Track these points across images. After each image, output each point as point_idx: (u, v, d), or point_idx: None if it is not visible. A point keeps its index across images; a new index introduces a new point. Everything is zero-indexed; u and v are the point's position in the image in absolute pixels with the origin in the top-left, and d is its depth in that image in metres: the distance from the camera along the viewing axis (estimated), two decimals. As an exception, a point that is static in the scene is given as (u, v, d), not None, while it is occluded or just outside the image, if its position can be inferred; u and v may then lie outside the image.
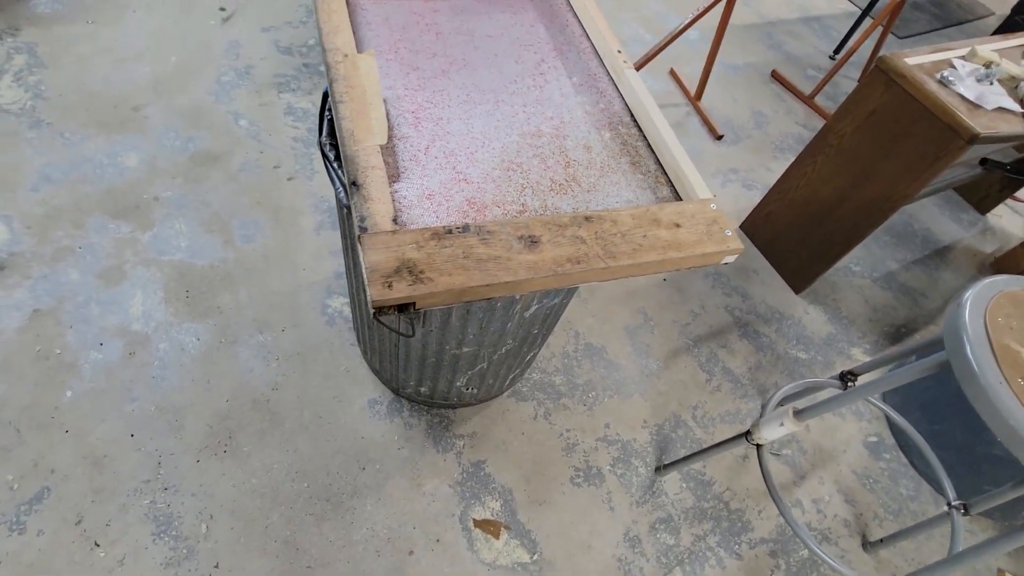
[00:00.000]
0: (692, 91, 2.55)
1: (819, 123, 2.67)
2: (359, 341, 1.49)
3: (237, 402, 1.38)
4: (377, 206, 0.82)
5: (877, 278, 2.16)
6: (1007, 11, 4.04)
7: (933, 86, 1.46)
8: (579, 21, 1.28)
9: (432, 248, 0.79)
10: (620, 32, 2.77)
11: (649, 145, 1.09)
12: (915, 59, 1.53)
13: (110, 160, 1.70)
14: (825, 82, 2.62)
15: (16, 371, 1.31)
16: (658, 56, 2.69)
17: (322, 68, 2.14)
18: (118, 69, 1.92)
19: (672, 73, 2.64)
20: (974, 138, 1.39)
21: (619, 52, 1.17)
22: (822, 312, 1.99)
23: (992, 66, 1.53)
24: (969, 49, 1.60)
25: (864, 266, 2.18)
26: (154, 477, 1.25)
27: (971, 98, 1.45)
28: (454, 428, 1.46)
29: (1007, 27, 3.31)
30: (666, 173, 1.06)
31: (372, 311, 0.75)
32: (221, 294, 1.53)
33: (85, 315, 1.42)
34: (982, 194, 2.52)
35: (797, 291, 2.01)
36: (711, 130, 2.44)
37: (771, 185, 2.33)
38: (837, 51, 3.08)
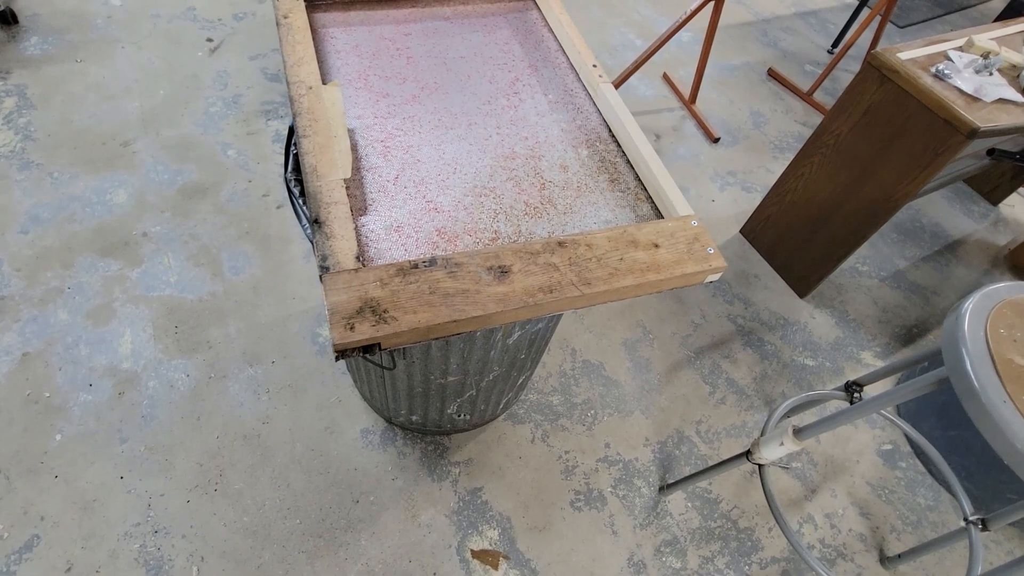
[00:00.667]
0: (686, 94, 2.51)
1: (819, 120, 2.60)
2: (350, 370, 1.47)
3: (227, 438, 1.36)
4: (340, 243, 0.79)
5: (885, 277, 2.09)
6: (1011, -7, 3.94)
7: (928, 80, 1.41)
8: (554, 36, 1.25)
9: (397, 285, 0.76)
10: (611, 39, 2.74)
11: (628, 161, 1.06)
12: (908, 53, 1.47)
13: (99, 198, 1.71)
14: (823, 77, 2.56)
15: (5, 416, 1.31)
16: (651, 61, 2.65)
17: (309, 93, 2.14)
18: (107, 106, 1.93)
19: (665, 77, 2.60)
20: (973, 132, 1.33)
21: (594, 67, 1.14)
22: (829, 316, 1.93)
23: (991, 56, 1.47)
24: (966, 40, 1.54)
25: (871, 265, 2.12)
26: (144, 520, 1.23)
27: (969, 91, 1.40)
28: (449, 455, 1.43)
29: (1012, 9, 3.22)
30: (646, 189, 1.02)
31: (335, 354, 0.72)
32: (211, 328, 1.52)
33: (74, 356, 1.41)
34: (992, 184, 2.44)
35: (801, 295, 1.95)
36: (707, 133, 2.39)
37: (771, 186, 2.27)
38: (835, 45, 3.02)
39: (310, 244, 1.72)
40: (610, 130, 1.10)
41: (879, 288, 2.05)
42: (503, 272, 0.81)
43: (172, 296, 1.55)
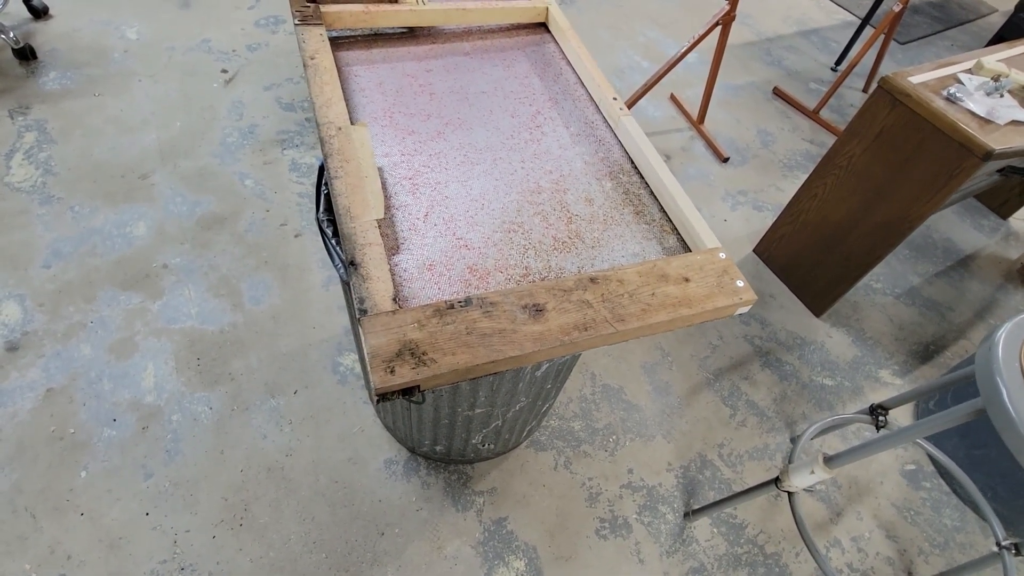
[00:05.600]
0: (694, 115, 2.54)
1: (826, 137, 2.63)
2: (372, 401, 1.47)
3: (251, 471, 1.36)
4: (376, 285, 0.80)
5: (900, 294, 2.09)
6: (1010, 8, 4.00)
7: (940, 104, 1.43)
8: (573, 69, 1.27)
9: (434, 326, 0.77)
10: (618, 61, 2.77)
11: (652, 193, 1.07)
12: (919, 77, 1.49)
13: (118, 230, 1.72)
14: (829, 95, 2.59)
15: (31, 454, 1.31)
16: (658, 82, 2.68)
17: (323, 121, 2.17)
18: (125, 139, 1.96)
19: (673, 98, 2.63)
20: (988, 155, 1.34)
21: (615, 99, 1.15)
22: (845, 334, 1.93)
23: (1001, 78, 1.49)
24: (975, 62, 1.56)
25: (885, 283, 2.12)
26: (170, 557, 1.23)
27: (981, 113, 1.41)
28: (473, 484, 1.42)
29: (1011, 26, 3.26)
30: (671, 221, 1.03)
31: (375, 398, 0.72)
32: (232, 360, 1.52)
33: (98, 391, 1.42)
34: (1002, 199, 2.45)
35: (817, 314, 1.95)
36: (716, 153, 2.41)
37: (782, 205, 2.29)
38: (838, 63, 3.05)
39: (329, 273, 1.73)
40: (632, 162, 1.11)
41: (894, 305, 2.05)
42: (538, 311, 0.81)
43: (193, 328, 1.56)
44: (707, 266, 0.92)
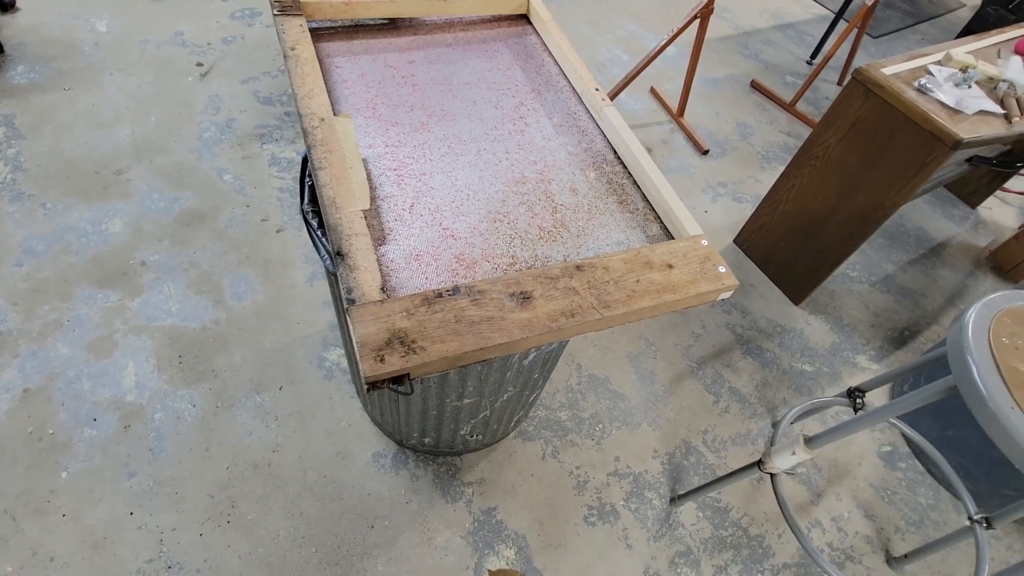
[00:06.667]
0: (674, 108, 2.57)
1: (803, 130, 2.68)
2: (359, 394, 1.47)
3: (238, 468, 1.34)
4: (364, 275, 0.80)
5: (875, 282, 2.15)
6: (977, 1, 4.10)
7: (912, 94, 1.47)
8: (555, 60, 1.28)
9: (423, 315, 0.77)
10: (599, 55, 2.79)
11: (635, 182, 1.08)
12: (891, 68, 1.53)
13: (94, 228, 1.69)
14: (805, 88, 2.64)
15: (8, 455, 1.28)
16: (638, 76, 2.70)
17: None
18: (98, 134, 1.91)
19: (653, 91, 2.65)
20: (958, 144, 1.38)
21: (597, 90, 1.16)
22: (823, 322, 1.97)
23: (969, 69, 1.53)
24: (944, 54, 1.60)
25: (861, 271, 2.17)
26: (156, 556, 1.21)
27: (951, 104, 1.45)
28: (462, 476, 1.43)
29: (979, 19, 3.35)
30: (654, 210, 1.04)
31: (366, 386, 0.73)
32: (215, 357, 1.50)
33: (77, 391, 1.39)
34: (971, 188, 2.52)
35: (796, 302, 1.99)
36: (696, 145, 2.44)
37: (761, 196, 2.33)
38: (814, 56, 3.11)
39: (312, 268, 1.72)
40: (615, 152, 1.13)
41: (870, 293, 2.11)
42: (525, 298, 0.82)
43: (174, 325, 1.54)
44: (690, 253, 0.94)
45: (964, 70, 1.54)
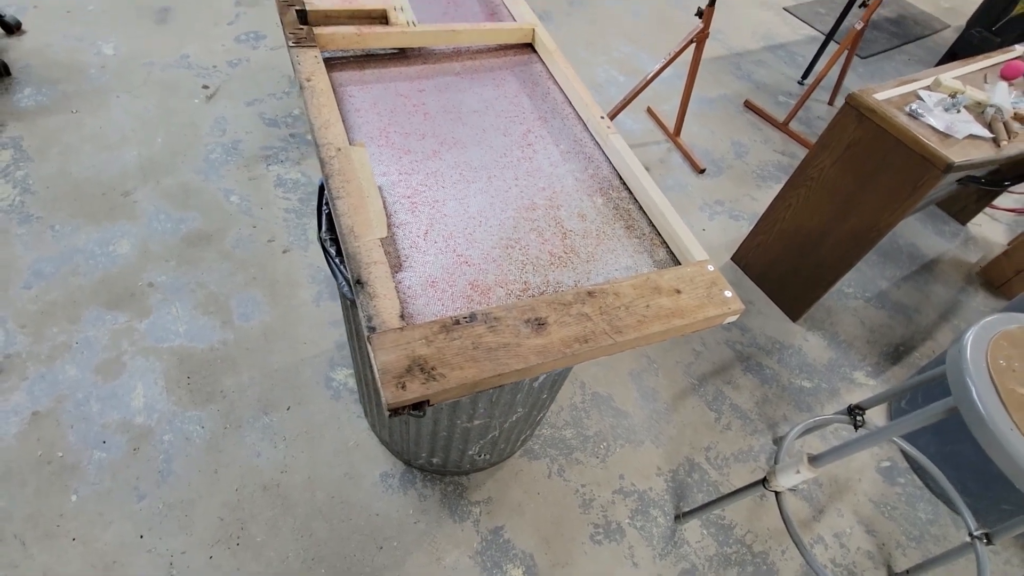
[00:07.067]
0: (670, 127, 2.62)
1: (796, 148, 2.74)
2: (366, 414, 1.48)
3: (247, 490, 1.35)
4: (383, 303, 0.82)
5: (870, 298, 2.19)
6: (961, 23, 4.22)
7: (904, 119, 1.52)
8: (560, 88, 1.32)
9: (441, 342, 0.80)
10: (595, 76, 2.84)
11: (641, 207, 1.11)
12: (883, 94, 1.58)
13: (102, 249, 1.70)
14: (798, 108, 2.70)
15: (18, 479, 1.28)
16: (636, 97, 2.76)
17: (309, 137, 2.18)
18: (105, 156, 1.93)
19: (649, 111, 2.71)
20: (949, 167, 1.43)
21: (602, 118, 1.20)
22: (821, 338, 2.01)
23: (958, 95, 1.59)
24: (933, 79, 1.66)
25: (856, 287, 2.22)
26: (166, 579, 1.21)
27: (941, 128, 1.50)
28: (469, 495, 1.44)
29: (963, 40, 3.44)
30: (660, 235, 1.08)
31: (387, 412, 0.75)
32: (223, 377, 1.52)
33: (85, 413, 1.40)
34: (960, 205, 2.58)
35: (794, 319, 2.03)
36: (693, 164, 2.49)
37: (757, 214, 2.37)
38: (805, 76, 3.18)
39: (319, 288, 1.74)
40: (620, 178, 1.16)
41: (865, 309, 2.15)
42: (540, 324, 0.84)
43: (182, 346, 1.55)
44: (697, 278, 0.97)
45: (953, 95, 1.60)
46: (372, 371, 0.87)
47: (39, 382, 1.42)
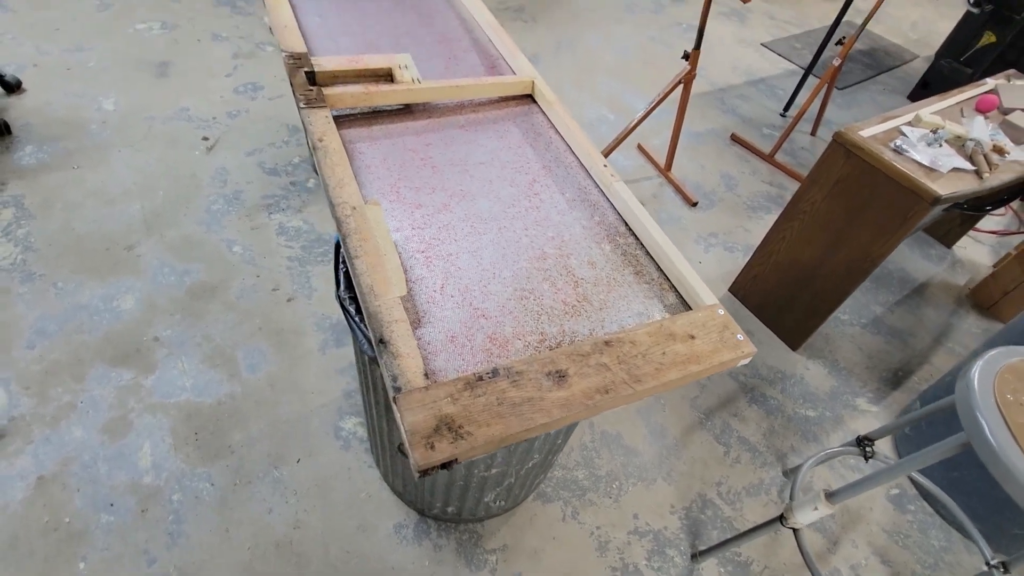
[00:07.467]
0: (661, 163, 2.69)
1: (784, 179, 2.81)
2: (378, 464, 1.47)
3: (259, 549, 1.33)
4: (407, 362, 0.84)
5: (866, 324, 2.23)
6: (929, 53, 4.41)
7: (890, 155, 1.58)
8: (561, 137, 1.36)
9: (467, 399, 0.81)
10: (585, 115, 2.93)
11: (648, 252, 1.14)
12: (868, 131, 1.65)
13: (106, 305, 1.70)
14: (783, 140, 2.79)
15: (24, 548, 1.25)
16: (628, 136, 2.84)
17: (309, 184, 2.21)
18: (107, 210, 1.95)
19: (640, 148, 2.78)
20: (936, 200, 1.49)
21: (605, 166, 1.24)
22: (821, 366, 2.03)
23: (939, 130, 1.66)
24: (914, 115, 1.73)
25: (851, 314, 2.26)
26: (179, 647, 1.18)
27: (926, 163, 1.57)
28: (484, 543, 1.42)
29: (934, 71, 3.60)
30: (669, 279, 1.10)
31: (417, 473, 0.75)
32: (231, 431, 1.50)
33: (93, 475, 1.37)
34: (945, 229, 2.66)
35: (794, 348, 2.06)
36: (685, 198, 2.55)
37: (751, 246, 2.43)
38: (786, 108, 3.30)
39: (324, 336, 1.74)
40: (627, 224, 1.19)
41: (861, 335, 2.19)
42: (561, 377, 0.86)
43: (189, 401, 1.54)
44: (709, 323, 0.99)
45: (935, 131, 1.67)
46: (399, 431, 0.87)
47: (44, 445, 1.40)
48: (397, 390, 0.80)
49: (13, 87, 2.27)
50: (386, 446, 1.28)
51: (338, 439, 1.54)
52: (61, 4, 2.76)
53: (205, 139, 2.28)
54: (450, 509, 1.35)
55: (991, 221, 2.86)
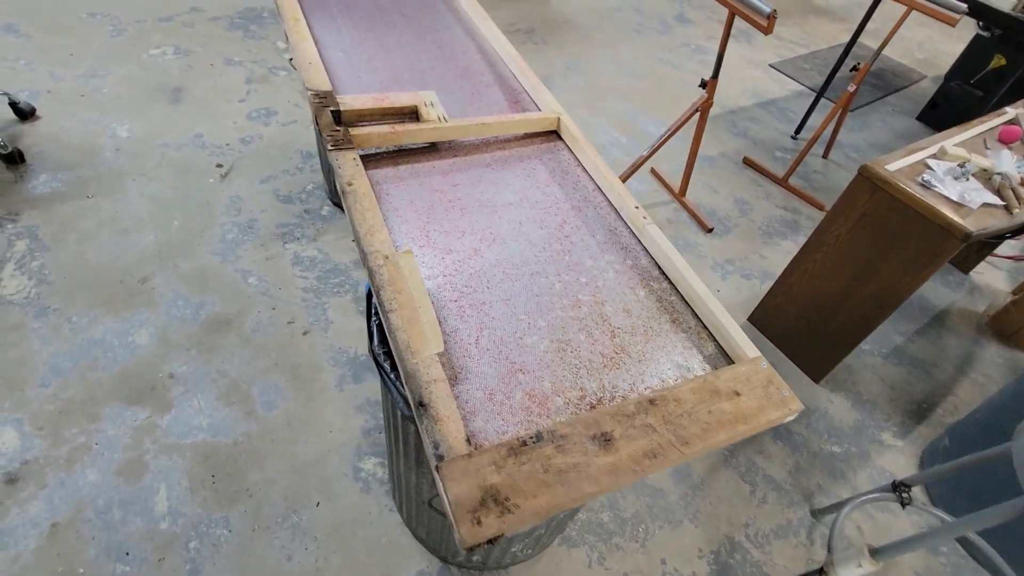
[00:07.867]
0: (675, 188, 2.67)
1: (798, 204, 2.80)
2: (400, 509, 1.43)
3: (279, 599, 1.29)
4: (448, 426, 0.80)
5: (887, 354, 2.20)
6: (936, 73, 4.42)
7: (917, 190, 1.56)
8: (589, 176, 1.34)
9: (511, 467, 0.77)
10: (598, 137, 2.91)
11: (684, 298, 1.12)
12: (894, 165, 1.63)
13: (120, 340, 1.67)
14: (796, 164, 2.78)
15: (37, 601, 1.21)
16: (639, 157, 2.82)
17: (323, 212, 2.19)
18: (122, 241, 1.92)
19: (654, 172, 2.77)
20: (967, 236, 1.46)
21: (637, 208, 1.22)
22: (845, 399, 2.00)
23: (965, 164, 1.64)
24: (939, 147, 1.71)
25: (872, 344, 2.23)
26: None
27: (954, 198, 1.54)
28: (509, 591, 1.38)
29: (943, 93, 3.60)
30: (707, 327, 1.08)
31: (464, 551, 0.72)
32: (249, 473, 1.47)
33: (107, 521, 1.33)
34: (963, 256, 2.64)
35: (816, 380, 2.02)
36: (700, 224, 2.53)
37: (768, 272, 2.40)
38: (798, 131, 3.29)
39: (342, 372, 1.70)
40: (660, 268, 1.17)
41: (884, 366, 2.15)
42: (607, 440, 0.83)
43: (206, 441, 1.50)
44: (752, 378, 0.96)
45: (962, 164, 1.65)
46: (440, 496, 0.84)
47: (58, 489, 1.36)
48: (440, 458, 0.77)
49: (27, 114, 2.25)
50: (412, 495, 1.24)
51: (357, 480, 1.50)
52: (75, 29, 2.76)
53: (219, 166, 2.26)
54: (475, 558, 1.31)
55: (1007, 246, 2.83)
